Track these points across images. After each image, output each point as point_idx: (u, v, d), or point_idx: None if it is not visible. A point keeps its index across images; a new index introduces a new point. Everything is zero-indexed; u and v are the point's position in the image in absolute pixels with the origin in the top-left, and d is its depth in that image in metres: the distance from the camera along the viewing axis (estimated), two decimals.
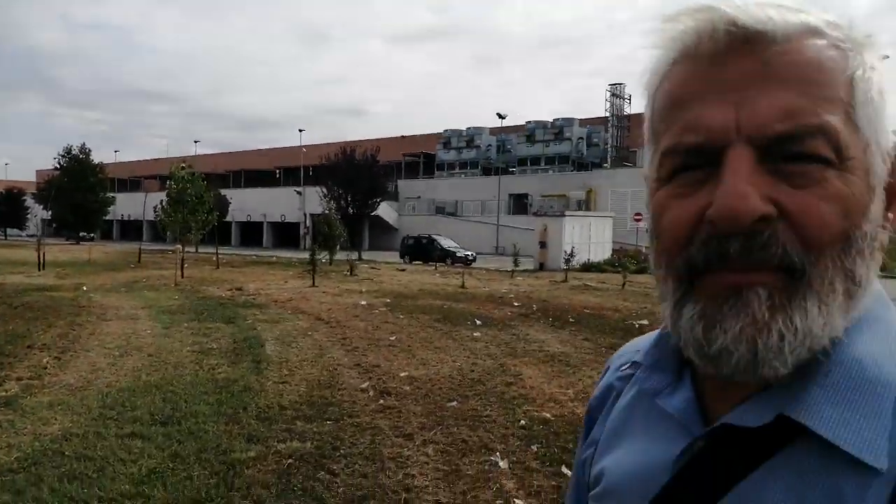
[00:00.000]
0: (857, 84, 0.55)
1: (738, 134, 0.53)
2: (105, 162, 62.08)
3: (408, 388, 6.63)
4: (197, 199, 23.73)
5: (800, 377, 0.55)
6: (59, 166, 56.25)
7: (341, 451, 4.79)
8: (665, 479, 0.62)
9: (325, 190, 40.54)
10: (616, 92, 61.99)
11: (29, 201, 68.43)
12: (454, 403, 6.04)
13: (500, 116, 56.18)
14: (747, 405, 0.57)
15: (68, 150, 56.42)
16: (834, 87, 0.54)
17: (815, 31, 0.55)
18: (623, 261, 26.99)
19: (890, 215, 0.59)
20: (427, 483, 4.27)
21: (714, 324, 0.54)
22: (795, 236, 0.53)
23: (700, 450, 0.60)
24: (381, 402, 6.11)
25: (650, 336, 0.76)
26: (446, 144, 64.69)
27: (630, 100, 59.17)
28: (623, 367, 0.78)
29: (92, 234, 58.46)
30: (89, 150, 56.83)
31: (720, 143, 0.54)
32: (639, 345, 0.79)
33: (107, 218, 61.79)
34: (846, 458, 0.53)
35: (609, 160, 59.77)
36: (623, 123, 62.06)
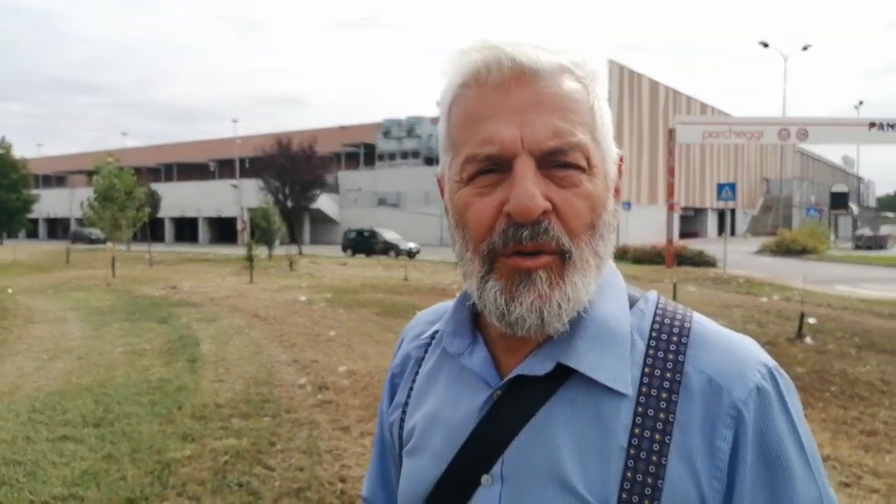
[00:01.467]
0: (595, 111, 0.75)
1: (523, 147, 0.70)
2: (28, 157, 59.40)
3: (346, 382, 6.70)
4: (126, 195, 22.99)
5: (570, 333, 0.75)
6: None
7: (278, 446, 4.84)
8: (472, 425, 0.78)
9: (261, 183, 39.81)
10: None
11: None
12: None
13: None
14: (532, 358, 0.76)
15: None
16: (583, 113, 0.73)
17: (566, 70, 0.74)
18: None
19: (617, 207, 0.80)
20: (363, 473, 4.36)
21: (513, 298, 0.72)
22: (563, 226, 0.71)
23: (499, 398, 0.77)
24: (319, 396, 6.17)
25: (438, 308, 0.95)
26: (387, 134, 64.10)
27: None
28: (421, 336, 0.93)
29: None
30: (10, 145, 54.21)
31: (510, 154, 0.71)
32: (428, 317, 0.96)
33: (31, 216, 59.18)
34: (604, 389, 0.74)
35: None
36: None
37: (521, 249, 0.71)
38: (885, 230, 45.10)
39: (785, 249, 32.49)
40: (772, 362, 0.75)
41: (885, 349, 8.39)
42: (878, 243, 38.77)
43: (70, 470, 4.37)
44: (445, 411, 0.82)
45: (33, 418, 5.50)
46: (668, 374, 0.73)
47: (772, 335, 9.31)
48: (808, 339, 8.88)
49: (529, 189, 0.69)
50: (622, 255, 27.47)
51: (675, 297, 13.05)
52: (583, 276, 0.73)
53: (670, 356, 0.75)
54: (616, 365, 0.74)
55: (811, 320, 10.06)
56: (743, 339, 0.78)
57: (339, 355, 8.02)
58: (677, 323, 0.78)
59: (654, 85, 53.14)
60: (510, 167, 0.70)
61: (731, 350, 0.75)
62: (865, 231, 42.56)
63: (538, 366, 0.75)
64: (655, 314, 0.80)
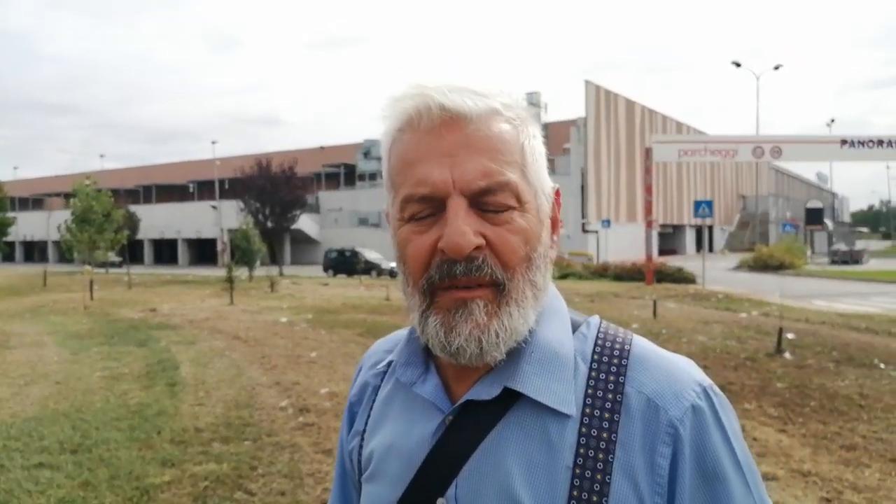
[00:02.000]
0: (526, 150, 0.80)
1: (454, 188, 0.75)
2: (4, 179, 58.66)
3: (328, 404, 6.64)
4: (104, 217, 22.74)
5: (515, 358, 0.79)
6: None
7: (259, 470, 4.77)
8: (427, 450, 0.81)
9: (241, 204, 39.62)
10: (532, 101, 63.33)
11: None
12: None
13: None
14: (481, 384, 0.80)
15: None
16: (513, 153, 0.78)
17: (496, 112, 0.78)
18: None
19: (555, 237, 0.86)
20: None
21: (451, 329, 0.76)
22: (497, 260, 0.76)
23: (451, 423, 0.81)
24: (301, 419, 6.11)
25: (394, 337, 0.98)
26: (367, 154, 64.25)
27: (546, 108, 60.53)
28: (378, 366, 0.97)
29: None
30: None
31: (443, 194, 0.75)
32: (385, 346, 0.99)
33: (7, 240, 58.30)
34: (550, 411, 0.78)
35: None
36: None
37: (456, 284, 0.75)
38: (860, 245, 45.78)
39: (762, 265, 32.85)
40: (707, 381, 0.80)
41: (863, 363, 8.49)
42: (853, 258, 39.34)
43: (46, 498, 4.28)
44: (400, 438, 0.85)
45: (8, 445, 5.39)
46: (610, 395, 0.78)
47: (751, 350, 9.39)
48: (788, 355, 8.96)
49: (460, 227, 0.73)
50: (603, 272, 27.65)
51: (655, 314, 13.19)
52: (519, 306, 0.76)
53: (612, 378, 0.79)
54: (560, 387, 0.78)
55: (790, 335, 10.16)
56: (680, 359, 0.82)
57: (320, 377, 7.96)
58: (618, 346, 0.82)
59: (630, 104, 53.82)
60: (444, 207, 0.75)
61: (668, 371, 0.79)
62: (841, 246, 43.14)
63: (486, 391, 0.79)
64: (597, 338, 0.84)
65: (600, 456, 0.74)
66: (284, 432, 5.69)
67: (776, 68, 50.57)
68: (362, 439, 0.93)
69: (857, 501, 4.19)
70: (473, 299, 0.75)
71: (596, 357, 0.81)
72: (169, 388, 7.37)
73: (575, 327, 0.85)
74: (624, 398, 0.77)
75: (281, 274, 32.92)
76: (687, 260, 36.04)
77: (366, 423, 0.93)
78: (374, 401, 0.94)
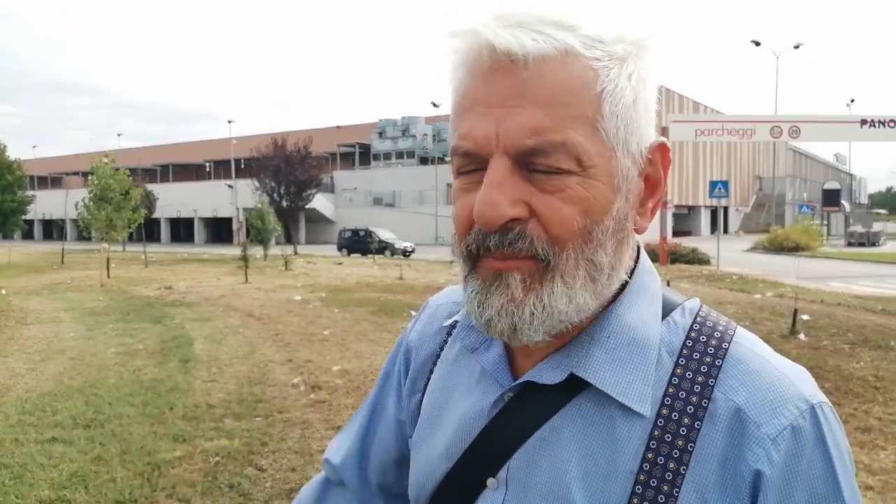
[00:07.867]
0: (605, 100, 0.64)
1: (498, 146, 0.63)
2: (23, 158, 59.15)
3: (340, 381, 6.66)
4: (122, 196, 22.82)
5: (587, 341, 0.70)
6: None
7: (270, 446, 4.81)
8: (482, 423, 0.75)
9: (257, 183, 39.74)
10: None
11: None
12: None
13: (435, 105, 56.24)
14: (545, 364, 0.71)
15: None
16: (579, 105, 0.63)
17: (569, 52, 0.63)
18: None
19: (650, 204, 0.72)
20: None
21: (484, 300, 0.67)
22: (543, 232, 0.64)
23: (510, 400, 0.73)
24: (313, 396, 6.14)
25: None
26: (381, 134, 64.14)
27: None
28: (445, 323, 0.88)
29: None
30: (4, 146, 53.91)
31: (485, 152, 0.64)
32: (455, 296, 0.91)
33: (26, 218, 58.92)
34: (620, 406, 0.68)
35: None
36: None
37: (493, 256, 0.66)
38: (877, 227, 45.13)
39: (778, 246, 32.52)
40: (818, 398, 0.66)
41: (879, 345, 8.39)
42: (870, 240, 38.86)
43: (58, 472, 4.33)
44: (459, 405, 0.80)
45: (23, 420, 5.46)
46: (694, 399, 0.66)
47: (766, 332, 9.31)
48: (802, 336, 8.87)
49: (491, 196, 0.63)
50: None
51: None
52: (566, 285, 0.65)
53: (700, 378, 0.67)
54: (635, 381, 0.68)
55: (805, 317, 10.06)
56: (790, 367, 0.69)
57: (333, 354, 7.99)
58: (714, 341, 0.70)
59: None
60: (488, 164, 0.65)
61: (769, 378, 0.67)
62: (858, 228, 42.52)
63: (549, 374, 0.70)
64: (691, 328, 0.72)
65: (671, 465, 0.64)
66: (296, 409, 5.72)
67: (796, 47, 49.72)
68: (422, 393, 0.87)
69: (873, 484, 4.15)
70: (510, 270, 0.65)
71: (686, 351, 0.69)
72: (182, 365, 7.43)
73: (666, 312, 0.73)
74: (710, 403, 0.66)
75: (295, 253, 33.05)
76: (701, 241, 35.75)
77: (427, 381, 0.87)
78: (437, 356, 0.87)
